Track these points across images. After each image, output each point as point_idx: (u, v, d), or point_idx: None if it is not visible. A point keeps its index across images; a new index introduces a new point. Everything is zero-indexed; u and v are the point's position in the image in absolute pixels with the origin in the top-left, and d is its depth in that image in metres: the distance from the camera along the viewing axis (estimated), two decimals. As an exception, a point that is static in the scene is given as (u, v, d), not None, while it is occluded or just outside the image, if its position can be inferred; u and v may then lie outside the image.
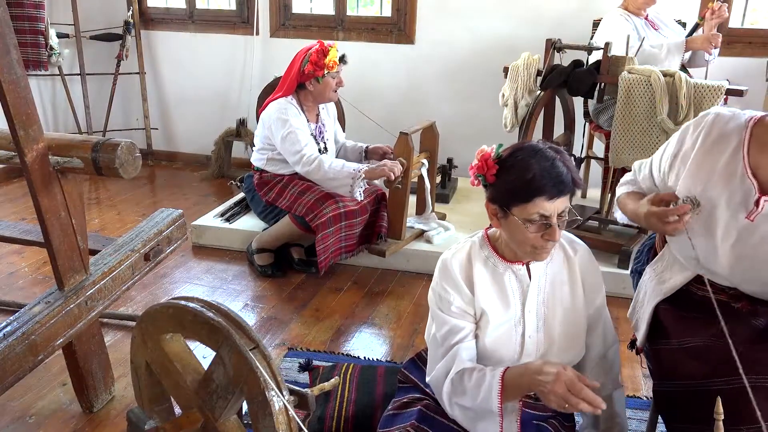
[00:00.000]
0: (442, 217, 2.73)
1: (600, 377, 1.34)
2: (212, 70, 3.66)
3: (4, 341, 1.27)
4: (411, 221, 2.59)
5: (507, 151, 1.20)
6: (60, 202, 1.38)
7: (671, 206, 1.23)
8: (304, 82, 2.37)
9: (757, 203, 1.16)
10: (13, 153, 1.43)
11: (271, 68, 3.52)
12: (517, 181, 1.16)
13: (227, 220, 2.68)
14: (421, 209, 2.65)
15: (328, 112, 2.58)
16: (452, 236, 2.57)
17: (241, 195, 2.89)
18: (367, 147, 2.58)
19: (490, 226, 1.34)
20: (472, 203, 3.03)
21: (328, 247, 2.26)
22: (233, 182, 2.85)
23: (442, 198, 2.98)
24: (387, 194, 2.43)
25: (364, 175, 2.25)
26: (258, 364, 0.97)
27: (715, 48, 2.55)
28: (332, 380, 1.28)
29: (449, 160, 3.11)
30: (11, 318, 1.34)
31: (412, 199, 2.59)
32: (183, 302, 1.06)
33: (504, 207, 1.20)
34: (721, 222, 1.17)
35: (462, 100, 3.37)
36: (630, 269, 1.51)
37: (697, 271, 1.26)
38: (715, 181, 1.19)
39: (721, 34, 2.56)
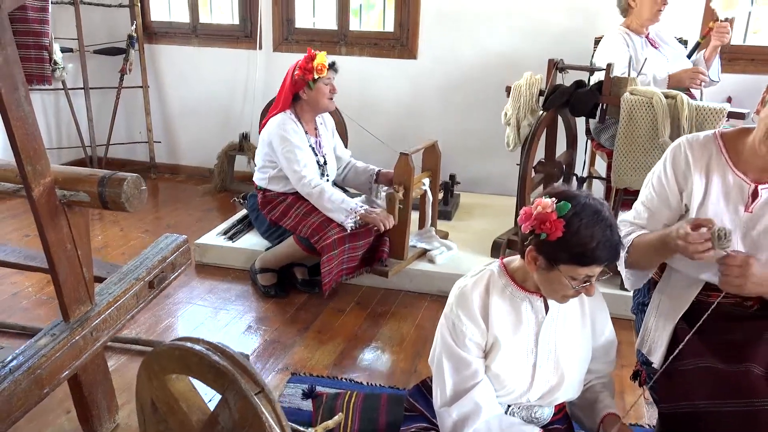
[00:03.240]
0: (445, 235, 2.73)
1: (599, 393, 1.37)
2: (215, 84, 3.67)
3: (10, 376, 1.28)
4: (413, 240, 2.60)
5: (570, 211, 1.21)
6: (66, 235, 1.39)
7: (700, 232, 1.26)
8: (298, 92, 2.39)
9: (755, 194, 1.26)
10: (20, 186, 1.44)
11: (274, 82, 3.52)
12: (579, 247, 1.20)
13: (230, 238, 2.69)
14: (423, 224, 2.66)
15: (325, 125, 2.59)
16: (455, 256, 2.58)
17: (244, 212, 2.90)
18: (378, 171, 2.59)
19: (506, 257, 1.37)
20: (475, 219, 3.04)
21: (332, 269, 2.27)
22: (236, 199, 2.86)
23: (445, 215, 2.98)
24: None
25: (359, 216, 2.28)
26: (263, 408, 0.98)
27: (701, 83, 2.49)
28: (336, 417, 1.29)
29: (452, 177, 3.11)
30: (17, 351, 1.35)
31: (415, 215, 2.59)
32: (189, 344, 1.07)
33: (552, 261, 1.22)
34: (726, 221, 1.27)
35: (464, 116, 3.38)
36: (631, 307, 1.52)
37: (706, 278, 1.30)
38: (715, 187, 1.30)
39: (704, 71, 2.52)
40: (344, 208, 2.26)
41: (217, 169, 3.56)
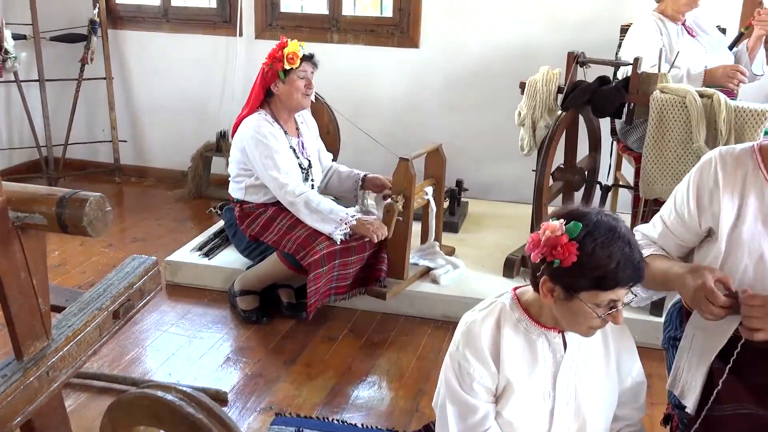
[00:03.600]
0: (450, 251, 2.74)
1: None
2: (189, 75, 3.68)
3: (-45, 425, 1.28)
4: (414, 257, 2.60)
5: (582, 231, 1.22)
6: (20, 262, 1.39)
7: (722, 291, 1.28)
8: (270, 87, 2.40)
9: None
10: (-33, 205, 1.44)
11: (255, 74, 3.51)
12: (598, 269, 1.21)
13: (206, 255, 2.69)
14: (425, 238, 2.67)
15: (308, 126, 2.60)
16: (462, 275, 2.59)
17: (222, 223, 2.91)
18: (364, 176, 2.60)
19: (519, 287, 1.37)
20: (485, 231, 3.05)
21: (319, 288, 2.27)
22: (213, 209, 2.86)
23: (451, 227, 2.99)
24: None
25: (351, 227, 2.29)
26: (244, 467, 0.98)
27: (738, 84, 2.50)
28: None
29: (458, 183, 3.13)
30: (-38, 396, 1.35)
31: (416, 228, 2.60)
32: (160, 393, 1.08)
33: (571, 290, 1.24)
34: (764, 245, 1.28)
35: (473, 114, 3.39)
36: (662, 341, 1.53)
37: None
38: (749, 204, 1.31)
39: (744, 69, 2.51)
40: (333, 218, 2.27)
41: (192, 172, 3.57)
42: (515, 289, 1.39)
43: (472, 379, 1.29)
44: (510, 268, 2.59)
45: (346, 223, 2.27)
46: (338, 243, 2.26)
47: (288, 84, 2.37)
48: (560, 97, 2.50)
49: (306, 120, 2.59)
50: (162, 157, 3.85)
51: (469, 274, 2.61)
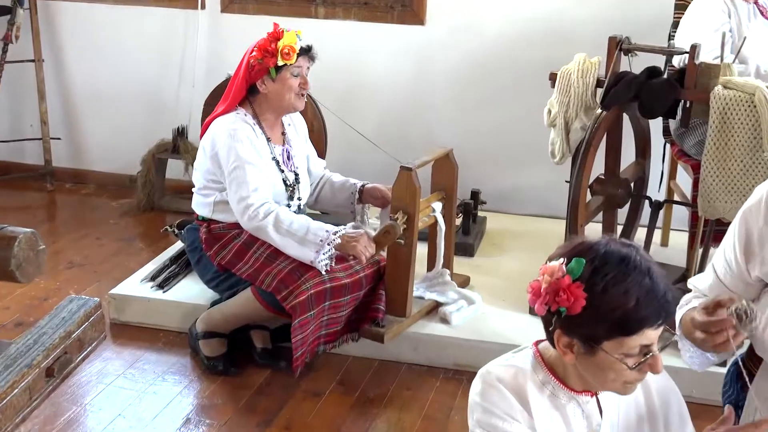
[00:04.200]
0: (464, 282, 2.76)
1: None
2: (139, 57, 3.69)
3: None
4: (419, 289, 2.62)
5: (586, 268, 1.23)
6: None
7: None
8: (255, 83, 2.41)
9: None
10: None
11: (222, 56, 3.55)
12: (615, 311, 1.22)
13: (160, 286, 2.70)
14: (432, 265, 2.69)
15: (296, 129, 2.62)
16: (478, 312, 2.61)
17: (181, 245, 2.92)
18: (362, 186, 2.61)
19: (541, 341, 1.39)
20: (507, 255, 3.07)
21: (307, 337, 2.28)
22: (171, 228, 2.87)
23: (465, 250, 3.01)
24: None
25: (335, 247, 2.29)
26: None
27: None
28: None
29: (474, 194, 3.15)
30: None
31: (421, 250, 2.62)
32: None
33: (590, 341, 1.25)
34: None
35: (491, 109, 3.41)
36: (723, 408, 1.55)
37: None
38: None
39: None
40: (312, 240, 2.28)
41: (142, 178, 3.58)
42: (537, 343, 1.40)
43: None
44: None
45: (329, 244, 2.28)
46: (324, 274, 2.27)
47: (279, 82, 2.39)
48: (600, 92, 2.52)
49: (294, 121, 2.62)
50: (105, 158, 3.86)
51: (488, 311, 2.62)
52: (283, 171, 2.48)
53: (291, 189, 2.49)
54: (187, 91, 3.65)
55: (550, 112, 2.64)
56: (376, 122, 3.41)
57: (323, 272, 2.28)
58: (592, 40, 2.84)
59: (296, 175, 2.53)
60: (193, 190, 2.57)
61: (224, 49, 3.56)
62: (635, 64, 2.57)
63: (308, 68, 2.45)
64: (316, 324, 2.30)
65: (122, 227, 3.44)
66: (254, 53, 2.37)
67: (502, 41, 3.34)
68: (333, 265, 2.31)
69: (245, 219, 2.33)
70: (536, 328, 1.36)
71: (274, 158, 2.47)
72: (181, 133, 3.56)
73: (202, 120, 3.18)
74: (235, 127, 2.39)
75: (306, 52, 2.42)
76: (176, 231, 2.88)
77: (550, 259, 1.29)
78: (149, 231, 3.39)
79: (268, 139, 2.47)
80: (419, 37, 3.42)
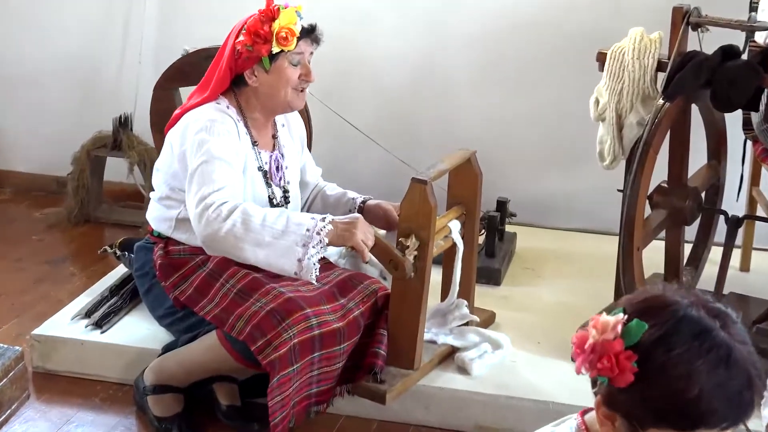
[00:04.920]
0: (488, 320, 2.79)
1: None
2: (70, 27, 3.72)
3: None
4: (432, 330, 2.65)
5: (648, 335, 1.24)
6: None
7: None
8: (243, 73, 2.44)
9: None
10: None
11: (177, 25, 3.60)
12: (670, 400, 1.23)
13: (98, 325, 2.72)
14: (446, 294, 2.72)
15: (290, 131, 2.65)
16: (506, 359, 2.63)
17: (125, 271, 2.95)
18: (363, 202, 2.65)
19: (589, 410, 1.42)
20: (543, 283, 3.11)
21: (289, 398, 2.29)
22: (112, 249, 2.90)
23: (489, 276, 3.06)
24: (390, 290, 2.50)
25: (326, 237, 2.29)
26: None
27: None
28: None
29: (501, 205, 3.19)
30: None
31: (435, 277, 2.62)
32: None
33: (633, 422, 1.28)
34: None
35: (522, 94, 3.45)
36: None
37: None
38: None
39: None
40: (295, 231, 2.27)
41: (74, 181, 3.62)
42: (583, 413, 1.43)
43: None
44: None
45: (318, 233, 2.28)
46: (312, 319, 2.29)
47: (274, 73, 2.41)
48: (661, 77, 2.56)
49: (289, 121, 2.65)
50: (25, 156, 3.90)
51: (519, 358, 2.65)
52: (270, 185, 2.51)
53: (279, 205, 2.52)
54: (132, 69, 3.69)
55: (597, 102, 2.67)
56: (374, 111, 3.46)
57: (313, 278, 2.30)
58: (652, 10, 2.89)
59: (285, 191, 2.56)
60: (151, 196, 2.60)
61: (180, 17, 3.62)
62: (707, 42, 2.60)
63: (311, 54, 2.48)
64: (303, 380, 2.32)
65: (48, 245, 3.46)
66: (242, 38, 2.38)
67: (537, 9, 3.38)
68: (315, 282, 2.32)
69: (203, 223, 2.30)
70: (582, 382, 1.37)
71: (260, 168, 2.50)
72: (123, 123, 3.60)
73: (153, 108, 3.25)
74: (213, 118, 2.42)
75: (308, 33, 2.43)
76: (118, 252, 2.91)
77: (610, 310, 1.30)
78: (83, 251, 3.42)
79: (255, 143, 2.50)
80: (430, 1, 3.47)
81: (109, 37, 3.73)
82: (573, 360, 1.33)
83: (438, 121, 3.50)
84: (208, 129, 2.40)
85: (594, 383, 1.31)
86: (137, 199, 3.66)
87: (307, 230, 2.29)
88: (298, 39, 2.39)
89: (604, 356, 1.24)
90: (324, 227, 2.30)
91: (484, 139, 3.25)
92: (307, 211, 2.73)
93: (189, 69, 3.13)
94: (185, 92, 3.18)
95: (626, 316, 1.25)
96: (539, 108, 3.45)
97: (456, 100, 3.52)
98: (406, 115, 3.53)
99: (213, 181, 2.35)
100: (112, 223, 3.58)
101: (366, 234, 2.36)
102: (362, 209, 2.66)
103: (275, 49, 2.37)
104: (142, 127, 3.56)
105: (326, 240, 2.30)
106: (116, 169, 3.65)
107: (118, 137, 3.58)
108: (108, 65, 3.75)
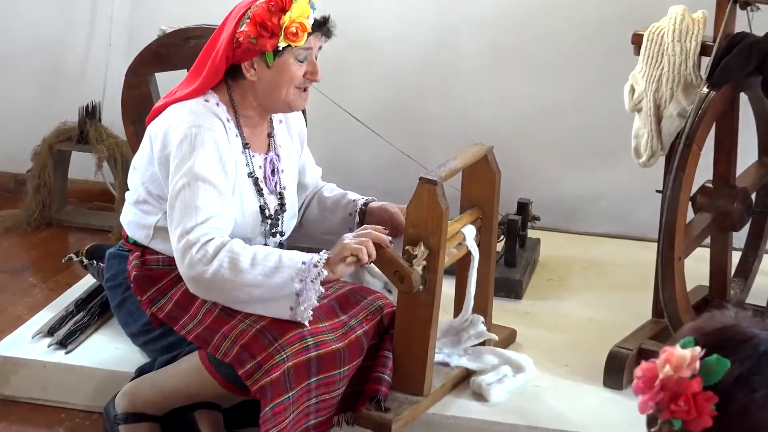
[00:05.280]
0: (508, 339, 2.80)
1: None
2: (27, 5, 3.73)
3: None
4: (444, 350, 2.65)
5: (730, 374, 1.23)
6: None
7: None
8: (240, 64, 2.43)
9: None
10: None
11: (151, 5, 3.63)
12: None
13: (62, 344, 2.72)
14: (460, 309, 2.72)
15: (288, 128, 2.65)
16: (528, 384, 2.63)
17: (92, 282, 2.96)
18: (365, 204, 2.65)
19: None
20: (570, 296, 3.11)
21: (286, 430, 2.29)
22: (76, 256, 2.91)
23: (509, 288, 3.07)
24: (395, 306, 2.50)
25: (323, 274, 2.29)
26: None
27: None
28: None
29: (522, 207, 3.20)
30: None
31: (447, 290, 2.63)
32: None
33: None
34: None
35: (547, 79, 3.47)
36: None
37: None
38: None
39: None
40: (287, 274, 2.27)
41: (34, 179, 3.63)
42: None
43: None
44: (617, 371, 2.64)
45: (315, 265, 2.27)
46: (309, 339, 2.30)
47: (276, 69, 2.40)
48: (705, 62, 2.56)
49: (287, 116, 2.65)
50: (-22, 150, 3.91)
51: (543, 382, 2.65)
52: (262, 194, 2.51)
53: (273, 219, 2.53)
54: (101, 52, 3.71)
55: (633, 90, 2.68)
56: (376, 100, 3.49)
57: (307, 318, 2.29)
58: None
59: (281, 198, 2.56)
60: (126, 197, 2.60)
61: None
62: (757, 23, 2.61)
63: (320, 48, 2.47)
64: (300, 410, 2.32)
65: (4, 252, 3.47)
66: (245, 28, 2.36)
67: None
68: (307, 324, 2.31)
69: (186, 264, 2.31)
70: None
71: (251, 174, 2.50)
72: (90, 113, 3.60)
73: (124, 96, 3.26)
74: (199, 123, 2.40)
75: (320, 26, 2.43)
76: (85, 260, 2.92)
77: (679, 339, 1.29)
78: (45, 259, 3.43)
79: (246, 146, 2.49)
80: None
81: (75, 14, 3.74)
82: (635, 394, 1.31)
83: (449, 111, 3.52)
84: (192, 138, 2.38)
85: (652, 422, 1.31)
86: (106, 199, 3.69)
87: (303, 263, 2.29)
88: (308, 34, 2.39)
89: (681, 397, 1.23)
90: (320, 259, 2.30)
91: (502, 131, 3.27)
92: (303, 215, 2.74)
93: (166, 52, 3.14)
94: (162, 78, 3.23)
95: (702, 350, 1.23)
96: (565, 96, 3.46)
97: (470, 88, 3.53)
98: (412, 103, 3.55)
99: (197, 209, 2.34)
100: (77, 227, 3.59)
101: (367, 242, 2.34)
102: (364, 212, 2.66)
103: (282, 44, 2.37)
104: (111, 118, 3.57)
105: (325, 272, 2.29)
106: (82, 166, 3.67)
107: (85, 129, 3.58)
108: (73, 47, 3.77)
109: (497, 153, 2.67)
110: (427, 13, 3.52)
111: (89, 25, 3.74)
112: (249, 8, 2.40)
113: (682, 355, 1.23)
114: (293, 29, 2.34)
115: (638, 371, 1.29)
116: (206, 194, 2.36)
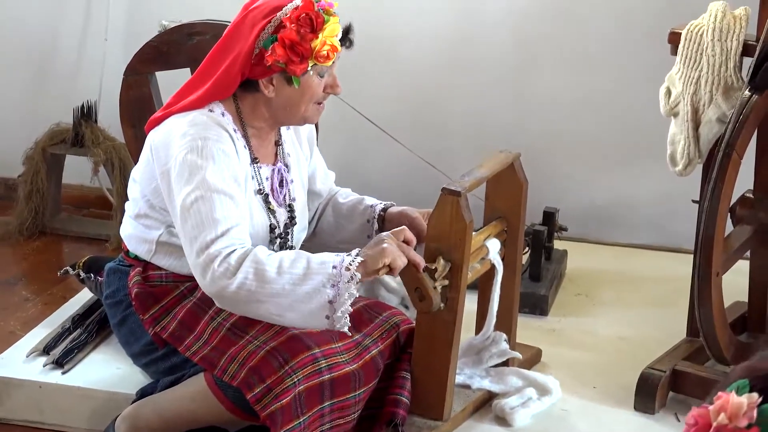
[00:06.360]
0: (533, 358, 2.82)
1: None
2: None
3: None
4: (465, 371, 2.67)
5: None
6: None
7: None
8: (258, 80, 2.42)
9: None
10: None
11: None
12: None
13: (59, 363, 2.73)
14: (481, 326, 2.73)
15: (297, 133, 2.67)
16: (555, 407, 2.64)
17: (90, 297, 2.97)
18: (384, 209, 2.67)
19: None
20: (599, 312, 3.13)
21: None
22: (71, 270, 2.92)
23: (534, 304, 3.09)
24: (415, 325, 2.51)
25: (357, 272, 2.29)
26: None
27: None
28: None
29: (548, 217, 3.22)
30: None
31: (469, 305, 2.62)
32: None
33: None
34: None
35: (576, 79, 3.47)
36: None
37: None
38: None
39: None
40: (318, 281, 2.26)
41: (27, 185, 3.64)
42: None
43: None
44: (649, 394, 2.64)
45: (348, 268, 2.27)
46: (322, 361, 2.31)
47: (300, 89, 2.40)
48: (747, 63, 2.56)
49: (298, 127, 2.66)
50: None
51: (570, 406, 2.66)
52: (270, 207, 2.52)
53: (283, 231, 2.55)
54: (96, 48, 3.72)
55: (669, 93, 2.69)
56: (394, 101, 3.51)
57: (345, 325, 2.28)
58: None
59: (291, 210, 2.58)
60: (126, 209, 2.61)
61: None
62: (804, 22, 2.61)
63: (338, 58, 2.46)
64: (311, 438, 2.35)
65: (-4, 263, 3.49)
66: (272, 51, 2.33)
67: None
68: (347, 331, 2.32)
69: (208, 279, 2.30)
70: None
71: (260, 190, 2.51)
72: (86, 114, 3.62)
73: (123, 97, 3.26)
74: (205, 135, 2.39)
75: (343, 38, 2.44)
76: (82, 274, 2.92)
77: (732, 381, 1.29)
78: (38, 270, 3.44)
79: (254, 160, 2.50)
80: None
81: (68, 7, 3.76)
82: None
83: (471, 113, 3.53)
84: (199, 150, 2.37)
85: None
86: (103, 206, 3.71)
87: (334, 267, 2.29)
88: (336, 50, 2.40)
89: None
90: (353, 261, 2.29)
91: (528, 135, 3.29)
92: (317, 224, 2.76)
93: (167, 49, 3.15)
94: (163, 78, 3.23)
95: (759, 397, 1.23)
96: (596, 97, 3.47)
97: (493, 88, 3.55)
98: (432, 105, 3.57)
99: (215, 222, 2.33)
100: (72, 236, 3.61)
101: (404, 251, 2.34)
102: (383, 218, 2.67)
103: (309, 65, 2.36)
104: (109, 119, 3.59)
105: (359, 275, 2.29)
106: (78, 170, 3.69)
107: (80, 131, 3.60)
108: (67, 43, 3.78)
109: (522, 157, 2.68)
110: (448, 11, 3.54)
111: (84, 19, 3.76)
112: (270, 20, 2.37)
113: (738, 403, 1.22)
114: (324, 52, 2.34)
115: (690, 418, 1.28)
116: (223, 205, 2.35)
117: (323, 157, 2.85)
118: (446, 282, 2.43)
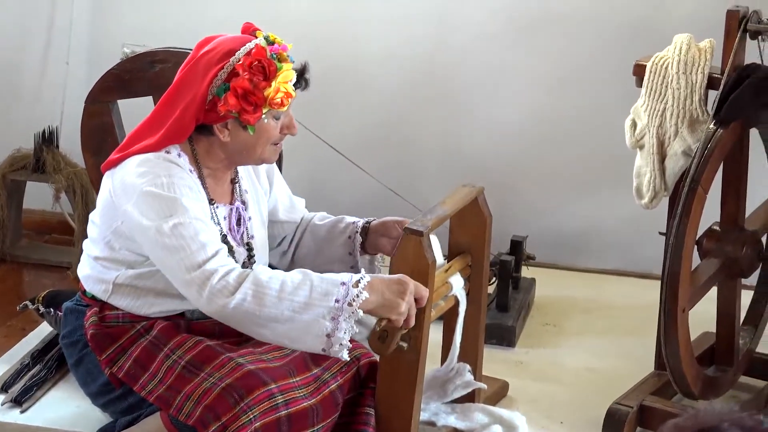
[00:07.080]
0: (500, 392, 2.85)
1: None
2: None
3: None
4: (430, 405, 2.71)
5: None
6: None
7: None
8: (212, 125, 2.44)
9: None
10: None
11: (114, 20, 3.64)
12: None
13: (17, 402, 2.74)
14: (446, 357, 2.75)
15: (254, 168, 2.69)
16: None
17: (50, 330, 3.00)
18: (368, 223, 2.70)
19: None
20: (567, 343, 3.18)
21: None
22: (30, 304, 2.93)
23: (501, 336, 3.13)
24: (378, 363, 2.54)
25: (359, 309, 2.31)
26: None
27: None
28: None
29: (515, 246, 3.26)
30: None
31: (434, 336, 2.64)
32: None
33: None
34: None
35: (546, 104, 3.51)
36: None
37: None
38: None
39: None
40: (318, 312, 2.28)
41: (-16, 213, 3.66)
42: None
43: None
44: (616, 430, 2.68)
45: (351, 303, 2.29)
46: (278, 396, 2.35)
47: (255, 134, 2.42)
48: (713, 96, 2.61)
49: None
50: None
51: (536, 442, 2.71)
52: (231, 249, 2.53)
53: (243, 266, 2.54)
54: (58, 72, 3.74)
55: (635, 125, 2.74)
56: (359, 125, 3.56)
57: (342, 356, 2.33)
58: (701, 14, 2.96)
59: (250, 249, 2.61)
60: (84, 248, 2.63)
61: (120, 4, 3.65)
62: (768, 52, 2.65)
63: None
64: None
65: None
66: (225, 101, 2.34)
67: (567, 2, 3.45)
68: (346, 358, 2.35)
69: (205, 297, 2.32)
70: None
71: (219, 226, 2.53)
72: (47, 139, 3.63)
73: (84, 126, 3.25)
74: (169, 173, 2.41)
75: (299, 80, 2.46)
76: (42, 308, 2.93)
77: None
78: (-2, 305, 3.43)
79: (211, 201, 2.53)
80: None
81: (30, 30, 3.77)
82: None
83: (439, 136, 3.57)
84: (165, 186, 2.39)
85: None
86: (65, 231, 3.72)
87: (336, 301, 2.32)
88: (291, 96, 2.42)
89: None
90: (358, 295, 2.32)
91: (497, 160, 3.36)
92: (294, 251, 2.78)
93: (130, 77, 3.15)
94: (125, 106, 3.24)
95: None
96: (565, 122, 3.52)
97: (461, 112, 3.58)
98: (398, 129, 3.60)
99: (203, 245, 2.36)
100: (33, 263, 3.62)
101: (409, 304, 2.34)
102: (366, 231, 2.70)
103: (265, 111, 2.38)
104: (70, 144, 3.60)
105: (360, 313, 2.32)
106: (39, 195, 3.69)
107: (41, 157, 3.61)
108: (28, 67, 3.79)
109: (489, 183, 2.71)
110: (416, 31, 3.57)
111: (45, 42, 3.78)
112: (222, 66, 2.39)
113: None
114: (278, 99, 2.36)
115: None
116: (207, 230, 2.39)
117: (286, 182, 2.86)
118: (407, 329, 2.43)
